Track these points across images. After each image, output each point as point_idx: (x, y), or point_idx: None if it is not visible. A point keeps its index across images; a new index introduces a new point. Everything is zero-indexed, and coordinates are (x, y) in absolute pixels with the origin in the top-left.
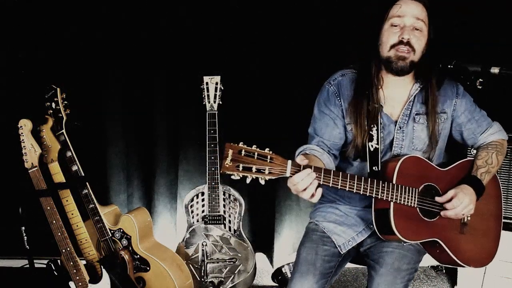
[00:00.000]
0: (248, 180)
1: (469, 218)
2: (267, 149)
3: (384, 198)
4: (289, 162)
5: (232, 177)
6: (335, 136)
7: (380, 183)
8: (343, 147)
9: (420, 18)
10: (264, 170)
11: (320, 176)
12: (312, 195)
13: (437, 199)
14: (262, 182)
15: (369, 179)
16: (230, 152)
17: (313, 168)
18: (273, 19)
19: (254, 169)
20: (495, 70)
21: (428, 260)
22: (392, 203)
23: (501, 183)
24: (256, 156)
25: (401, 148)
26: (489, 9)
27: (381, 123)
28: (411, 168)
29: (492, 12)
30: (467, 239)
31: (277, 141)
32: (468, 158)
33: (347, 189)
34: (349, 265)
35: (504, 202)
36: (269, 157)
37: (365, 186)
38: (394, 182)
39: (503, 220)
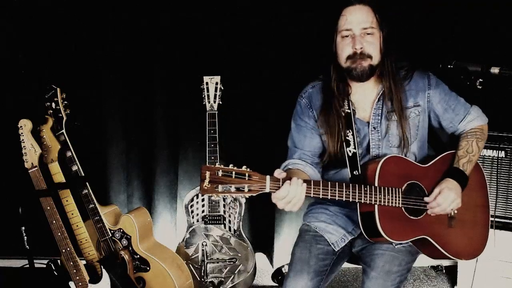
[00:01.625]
0: (228, 201)
1: (455, 212)
2: (244, 166)
3: (368, 201)
4: (268, 177)
5: (212, 198)
6: (315, 146)
7: (362, 187)
8: (322, 156)
9: (367, 23)
10: (244, 188)
11: None
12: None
13: (426, 199)
14: (243, 200)
15: (351, 184)
16: (208, 174)
17: (292, 180)
18: (274, 19)
19: (233, 188)
20: (495, 70)
21: (428, 260)
22: (376, 206)
23: (501, 183)
24: (234, 175)
25: (378, 148)
26: (489, 9)
27: (355, 129)
28: (392, 168)
29: (492, 12)
30: (456, 232)
31: (277, 141)
32: (449, 151)
33: (329, 197)
34: (349, 265)
35: (504, 202)
36: (247, 174)
37: (347, 192)
38: (376, 184)
39: (504, 220)
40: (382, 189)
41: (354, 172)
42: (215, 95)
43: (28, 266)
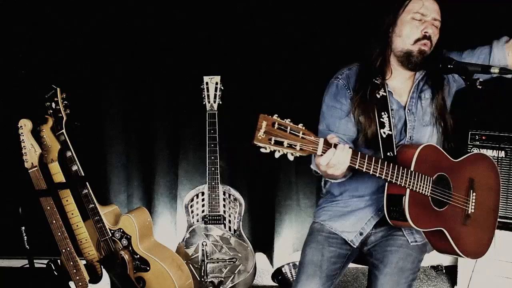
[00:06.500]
0: (277, 155)
1: (473, 210)
2: (301, 124)
3: (403, 184)
4: (321, 140)
5: (262, 150)
6: (349, 129)
7: (400, 168)
8: (354, 142)
9: (438, 15)
10: (296, 145)
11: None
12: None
13: None
14: (291, 158)
15: (391, 163)
16: (264, 123)
17: (338, 146)
18: (274, 18)
19: (285, 144)
20: (495, 70)
21: (428, 260)
22: (408, 190)
23: (501, 183)
24: (288, 131)
25: (413, 129)
26: (489, 9)
27: (392, 109)
28: (428, 156)
29: (492, 12)
30: (468, 230)
31: None
32: (481, 152)
33: (371, 172)
34: (349, 265)
35: (504, 202)
36: (301, 132)
37: (387, 171)
38: (412, 169)
39: (503, 220)
40: (417, 175)
41: (388, 153)
42: (215, 95)
43: (28, 266)
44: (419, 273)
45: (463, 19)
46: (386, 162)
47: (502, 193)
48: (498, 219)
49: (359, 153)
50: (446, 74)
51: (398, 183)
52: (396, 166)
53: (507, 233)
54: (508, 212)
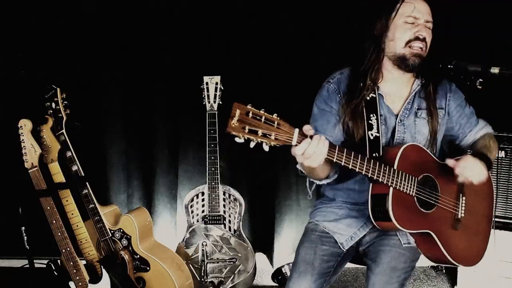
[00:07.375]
0: (252, 144)
1: (463, 215)
2: (275, 114)
3: (385, 182)
4: (297, 130)
5: (236, 139)
6: (337, 134)
7: (382, 166)
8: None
9: (430, 17)
10: (270, 135)
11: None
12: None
13: (448, 161)
14: (266, 148)
15: (372, 160)
16: (238, 112)
17: (314, 136)
18: (274, 18)
19: (260, 133)
20: (495, 70)
21: (428, 260)
22: (391, 189)
23: (501, 183)
24: (263, 120)
25: (403, 140)
26: (489, 9)
27: (381, 114)
28: (412, 156)
29: (492, 12)
30: (459, 235)
31: None
32: (470, 154)
33: (350, 166)
34: (349, 265)
35: (504, 202)
36: (276, 122)
37: (368, 167)
38: (395, 167)
39: (503, 220)
40: (400, 173)
41: (374, 154)
42: (215, 95)
43: (28, 266)
44: (419, 273)
45: (463, 19)
46: (367, 158)
47: (502, 193)
48: (498, 219)
49: (337, 146)
50: (446, 76)
51: (380, 180)
52: (378, 163)
53: (507, 233)
54: (508, 212)
